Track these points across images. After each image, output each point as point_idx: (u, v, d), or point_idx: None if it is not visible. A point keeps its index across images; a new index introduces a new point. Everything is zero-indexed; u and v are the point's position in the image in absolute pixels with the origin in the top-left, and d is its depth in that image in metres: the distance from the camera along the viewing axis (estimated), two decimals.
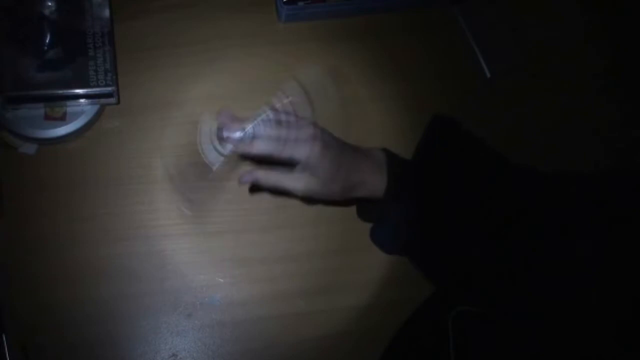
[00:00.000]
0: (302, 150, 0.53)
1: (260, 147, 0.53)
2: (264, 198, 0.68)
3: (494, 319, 0.54)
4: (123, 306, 0.64)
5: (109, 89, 0.65)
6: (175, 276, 0.66)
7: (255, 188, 0.67)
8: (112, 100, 0.66)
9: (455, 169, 0.58)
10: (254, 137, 0.53)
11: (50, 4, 0.65)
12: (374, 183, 0.56)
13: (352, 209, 0.68)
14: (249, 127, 0.54)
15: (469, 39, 0.77)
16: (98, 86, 0.64)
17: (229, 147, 0.56)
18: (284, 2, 0.70)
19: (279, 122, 0.54)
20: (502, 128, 0.72)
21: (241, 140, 0.53)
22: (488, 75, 0.76)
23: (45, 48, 0.64)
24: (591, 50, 0.78)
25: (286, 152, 0.53)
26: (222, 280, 0.66)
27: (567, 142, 0.75)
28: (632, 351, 0.44)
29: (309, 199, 0.57)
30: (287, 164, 0.54)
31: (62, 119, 0.65)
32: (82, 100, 0.65)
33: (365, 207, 0.65)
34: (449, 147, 0.60)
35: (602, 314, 0.46)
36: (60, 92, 0.63)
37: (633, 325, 0.45)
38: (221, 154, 0.57)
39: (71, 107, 0.65)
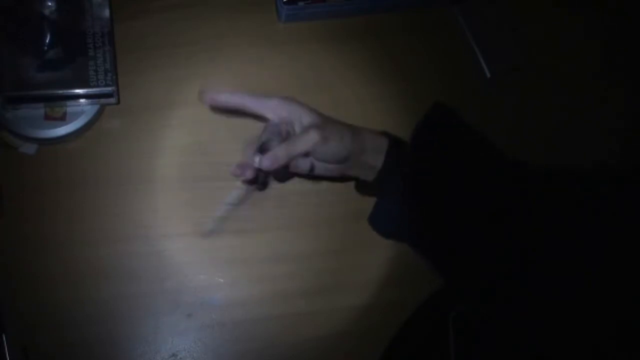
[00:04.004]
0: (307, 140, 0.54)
1: (269, 162, 0.54)
2: (264, 198, 0.69)
3: (494, 319, 0.54)
4: (123, 306, 0.64)
5: (109, 89, 0.65)
6: (175, 276, 0.66)
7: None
8: (112, 100, 0.66)
9: (452, 157, 0.58)
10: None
11: (50, 4, 0.65)
12: (371, 165, 0.58)
13: (352, 210, 0.68)
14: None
15: (469, 39, 0.77)
16: (98, 86, 0.64)
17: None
18: (284, 2, 0.70)
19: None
20: (502, 128, 0.72)
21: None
22: (488, 75, 0.76)
23: (45, 48, 0.64)
24: (591, 50, 0.79)
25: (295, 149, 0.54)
26: (222, 280, 0.66)
27: (567, 142, 0.75)
28: (633, 351, 0.44)
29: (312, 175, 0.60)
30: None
31: (62, 119, 0.65)
32: (82, 100, 0.65)
33: (364, 186, 0.65)
34: (447, 134, 0.60)
35: (602, 314, 0.46)
36: (60, 92, 0.63)
37: (633, 326, 0.45)
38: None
39: (71, 107, 0.65)
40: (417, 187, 0.58)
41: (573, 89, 0.77)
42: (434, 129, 0.60)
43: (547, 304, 0.50)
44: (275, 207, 0.69)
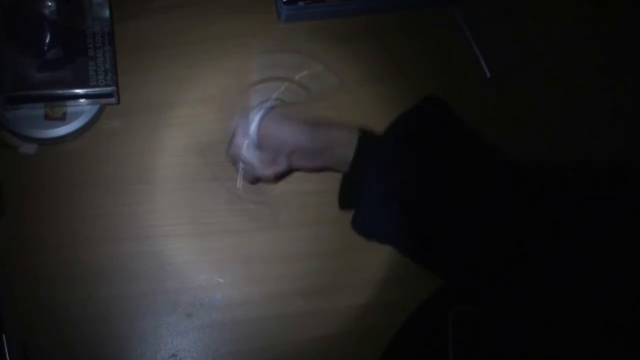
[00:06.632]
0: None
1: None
2: (264, 198, 0.69)
3: (494, 319, 0.54)
4: (123, 306, 0.64)
5: (109, 89, 0.65)
6: (175, 276, 0.66)
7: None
8: (112, 100, 0.66)
9: (439, 148, 0.58)
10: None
11: (50, 4, 0.65)
12: (343, 142, 0.59)
13: None
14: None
15: (469, 39, 0.77)
16: (98, 86, 0.64)
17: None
18: (284, 2, 0.70)
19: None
20: (501, 128, 0.72)
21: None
22: (488, 75, 0.76)
23: (45, 48, 0.64)
24: (591, 50, 0.79)
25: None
26: (222, 280, 0.66)
27: (567, 141, 0.75)
28: (633, 351, 0.44)
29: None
30: None
31: (62, 119, 0.65)
32: (82, 100, 0.65)
33: (345, 189, 0.64)
34: (433, 124, 0.60)
35: (602, 314, 0.46)
36: (60, 92, 0.63)
37: (634, 326, 0.45)
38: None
39: (71, 107, 0.65)
40: (398, 172, 0.57)
41: (573, 89, 0.77)
42: (423, 119, 0.60)
43: (546, 303, 0.50)
44: (276, 207, 0.69)
